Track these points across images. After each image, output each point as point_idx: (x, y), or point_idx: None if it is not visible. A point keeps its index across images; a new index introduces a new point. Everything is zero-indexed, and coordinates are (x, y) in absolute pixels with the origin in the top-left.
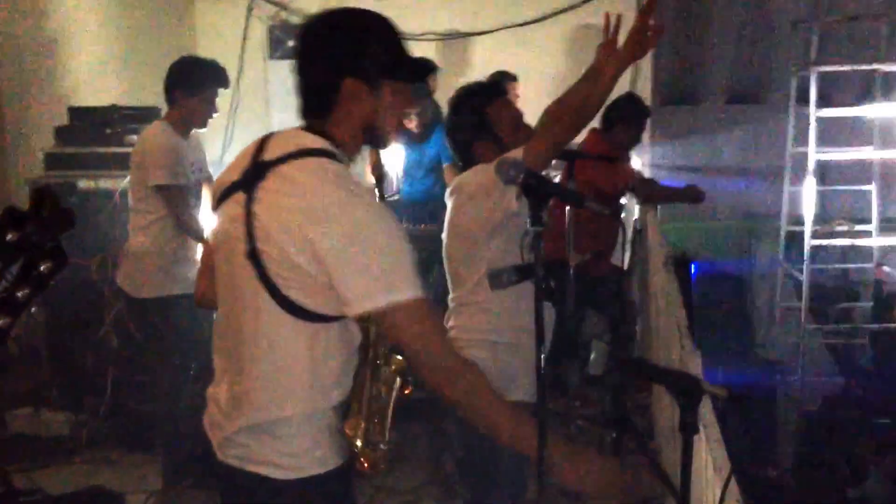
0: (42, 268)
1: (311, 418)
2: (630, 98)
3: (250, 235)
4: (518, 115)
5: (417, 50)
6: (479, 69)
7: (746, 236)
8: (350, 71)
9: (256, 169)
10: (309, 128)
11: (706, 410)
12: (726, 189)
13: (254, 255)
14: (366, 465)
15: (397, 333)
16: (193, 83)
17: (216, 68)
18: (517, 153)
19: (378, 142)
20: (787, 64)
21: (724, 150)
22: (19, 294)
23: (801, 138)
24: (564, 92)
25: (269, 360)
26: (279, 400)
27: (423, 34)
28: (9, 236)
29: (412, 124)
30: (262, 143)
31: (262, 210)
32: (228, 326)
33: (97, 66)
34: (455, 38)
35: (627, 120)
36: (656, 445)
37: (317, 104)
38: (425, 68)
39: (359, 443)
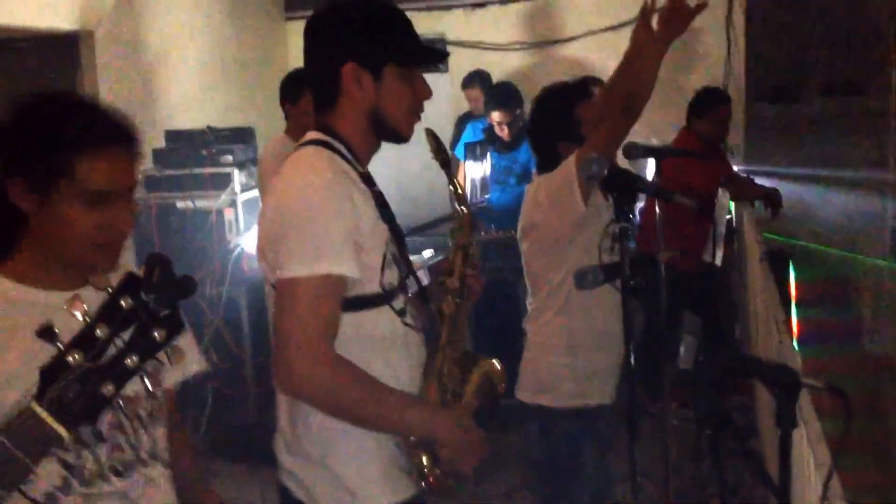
0: (156, 335)
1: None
2: (704, 91)
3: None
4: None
5: (506, 59)
6: (565, 76)
7: (850, 232)
8: (349, 57)
9: None
10: (315, 125)
11: (806, 405)
12: (828, 184)
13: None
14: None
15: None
16: (293, 93)
17: None
18: (586, 150)
19: (388, 134)
20: (889, 52)
21: (823, 145)
22: (128, 361)
23: None
24: (608, 81)
25: None
26: None
27: (510, 43)
28: (123, 303)
29: (503, 132)
30: None
31: None
32: None
33: (192, 91)
34: (542, 46)
35: (701, 112)
36: (759, 446)
37: (322, 97)
38: (433, 52)
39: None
